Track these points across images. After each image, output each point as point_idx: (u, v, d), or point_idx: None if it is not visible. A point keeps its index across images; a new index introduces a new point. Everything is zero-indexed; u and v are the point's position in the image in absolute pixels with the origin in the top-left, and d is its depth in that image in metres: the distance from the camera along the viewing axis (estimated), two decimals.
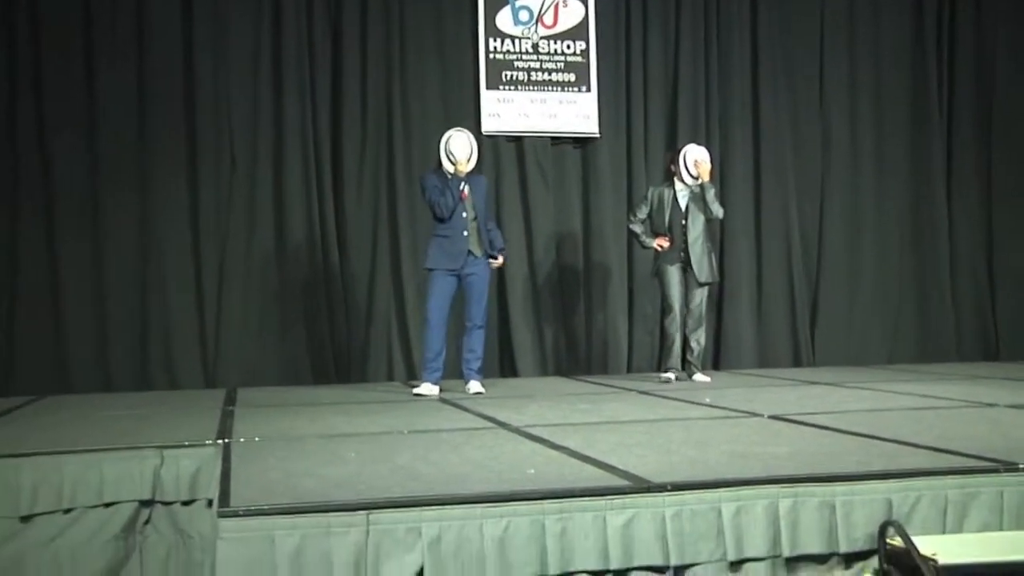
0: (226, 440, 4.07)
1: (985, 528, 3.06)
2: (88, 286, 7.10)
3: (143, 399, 6.29)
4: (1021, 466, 3.17)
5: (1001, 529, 3.07)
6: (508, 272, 7.50)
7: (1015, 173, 8.72)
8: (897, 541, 2.81)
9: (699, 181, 6.68)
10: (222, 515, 2.66)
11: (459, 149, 6.13)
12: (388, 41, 7.66)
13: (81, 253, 7.09)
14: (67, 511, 3.77)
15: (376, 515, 2.72)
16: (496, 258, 6.29)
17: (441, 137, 6.27)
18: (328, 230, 7.48)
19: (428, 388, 6.13)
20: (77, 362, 7.03)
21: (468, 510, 2.79)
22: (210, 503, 3.75)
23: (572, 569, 2.82)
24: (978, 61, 8.73)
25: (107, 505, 3.81)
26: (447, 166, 6.14)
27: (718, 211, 6.72)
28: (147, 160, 7.22)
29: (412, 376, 7.29)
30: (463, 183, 6.14)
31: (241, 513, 2.66)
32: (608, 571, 2.85)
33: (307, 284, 7.47)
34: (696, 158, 6.70)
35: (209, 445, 3.99)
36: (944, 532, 3.02)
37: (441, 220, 6.13)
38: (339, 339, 7.49)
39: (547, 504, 2.84)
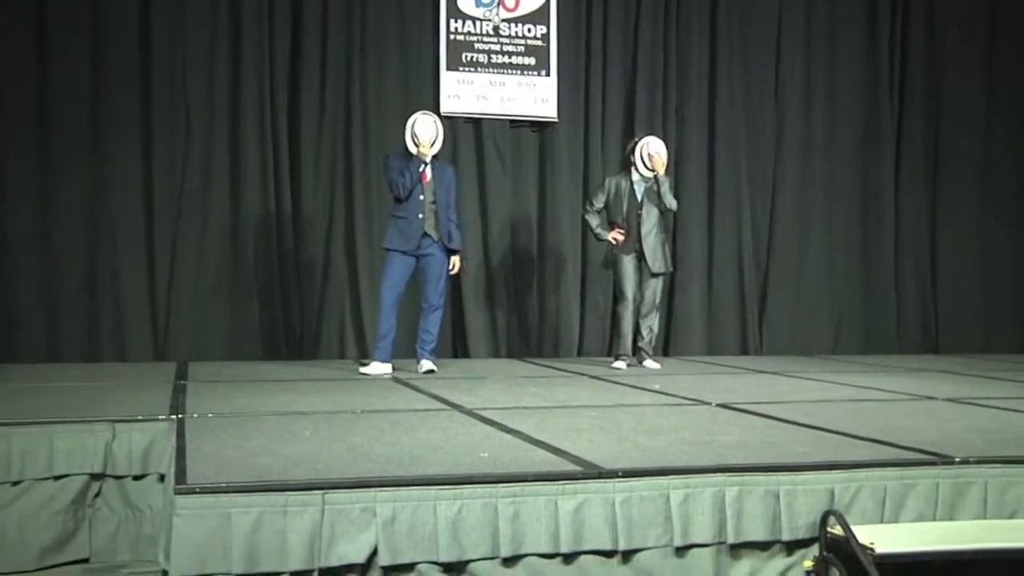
0: (180, 415, 4.06)
1: (920, 518, 3.17)
2: (38, 256, 7.00)
3: (92, 371, 6.24)
4: (956, 459, 3.29)
5: (935, 519, 3.19)
6: (463, 254, 7.52)
7: (961, 168, 8.93)
8: (837, 530, 2.91)
9: (654, 174, 6.76)
10: (179, 492, 2.68)
11: (423, 131, 6.14)
12: (349, 18, 7.61)
13: (31, 223, 6.97)
14: (15, 483, 3.77)
15: (332, 495, 2.76)
16: (456, 252, 6.30)
17: (407, 120, 6.27)
18: (284, 207, 7.45)
19: (377, 367, 6.16)
20: (25, 332, 6.93)
21: (423, 491, 2.84)
22: (162, 478, 3.77)
23: (523, 551, 2.89)
24: (929, 56, 8.91)
25: (57, 478, 3.81)
26: (411, 147, 6.15)
27: (672, 204, 6.80)
28: (100, 131, 7.10)
29: (364, 355, 7.30)
30: (424, 165, 6.15)
31: (198, 490, 2.68)
32: (558, 554, 2.92)
33: (261, 259, 7.43)
34: (652, 151, 6.76)
35: (163, 420, 4.00)
36: (882, 522, 3.13)
37: (399, 200, 6.15)
38: (292, 315, 7.47)
39: (500, 488, 2.89)
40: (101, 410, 4.17)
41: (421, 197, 6.14)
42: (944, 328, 8.90)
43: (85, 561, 3.82)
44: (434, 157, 6.22)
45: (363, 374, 6.16)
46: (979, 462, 3.28)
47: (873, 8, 8.80)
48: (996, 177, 9.02)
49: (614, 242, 6.83)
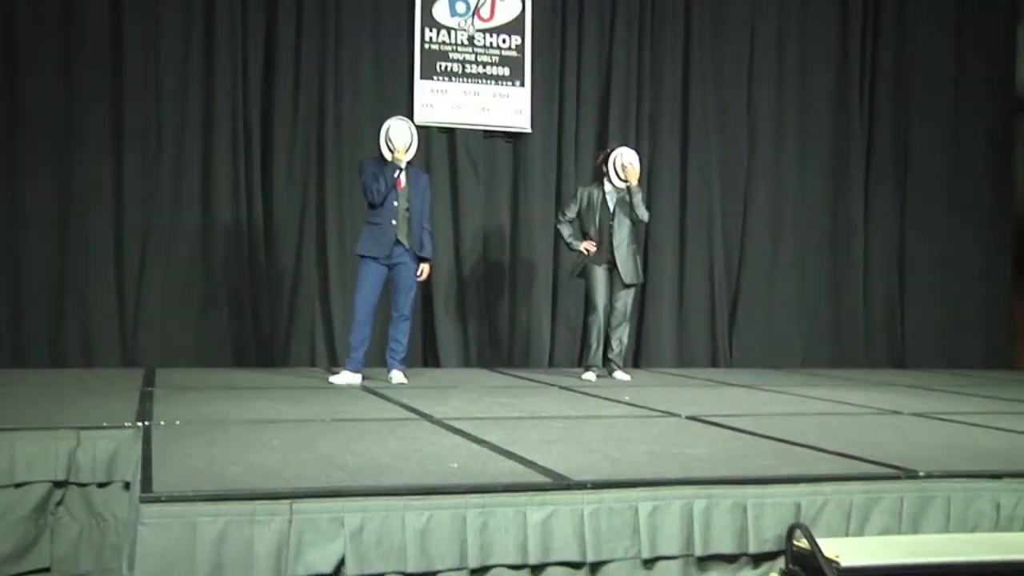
0: (146, 423, 4.02)
1: (885, 532, 3.20)
2: (5, 261, 6.92)
3: (58, 376, 6.17)
4: (921, 473, 3.32)
5: (900, 533, 3.21)
6: (434, 262, 7.51)
7: (930, 182, 9.04)
8: (803, 543, 2.92)
9: (627, 185, 6.78)
10: (144, 500, 2.65)
11: (398, 136, 6.13)
12: (323, 26, 7.60)
13: None
14: None
15: (300, 504, 2.74)
16: (426, 260, 6.28)
17: (381, 125, 6.25)
18: (255, 213, 7.41)
19: (347, 377, 6.13)
20: None
21: (391, 501, 2.82)
22: (127, 486, 3.72)
23: (491, 562, 2.88)
24: (898, 69, 9.02)
25: (18, 485, 3.75)
26: (386, 153, 6.14)
27: (644, 215, 6.83)
28: (70, 137, 7.05)
29: (334, 363, 7.27)
30: (399, 171, 6.14)
31: (164, 499, 2.65)
32: (526, 565, 2.91)
33: (231, 265, 7.39)
34: (625, 163, 6.79)
35: (128, 427, 3.95)
36: (847, 535, 3.16)
37: (372, 206, 6.13)
38: (261, 322, 7.43)
39: (469, 498, 2.88)
40: (65, 416, 4.12)
41: (395, 203, 6.13)
42: (911, 342, 8.99)
43: (46, 571, 3.75)
44: (408, 163, 6.21)
45: (331, 382, 6.13)
46: (943, 476, 3.32)
47: (844, 21, 8.90)
48: (965, 192, 9.13)
49: (586, 252, 6.85)
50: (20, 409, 4.41)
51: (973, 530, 3.26)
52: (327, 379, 6.28)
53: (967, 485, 3.30)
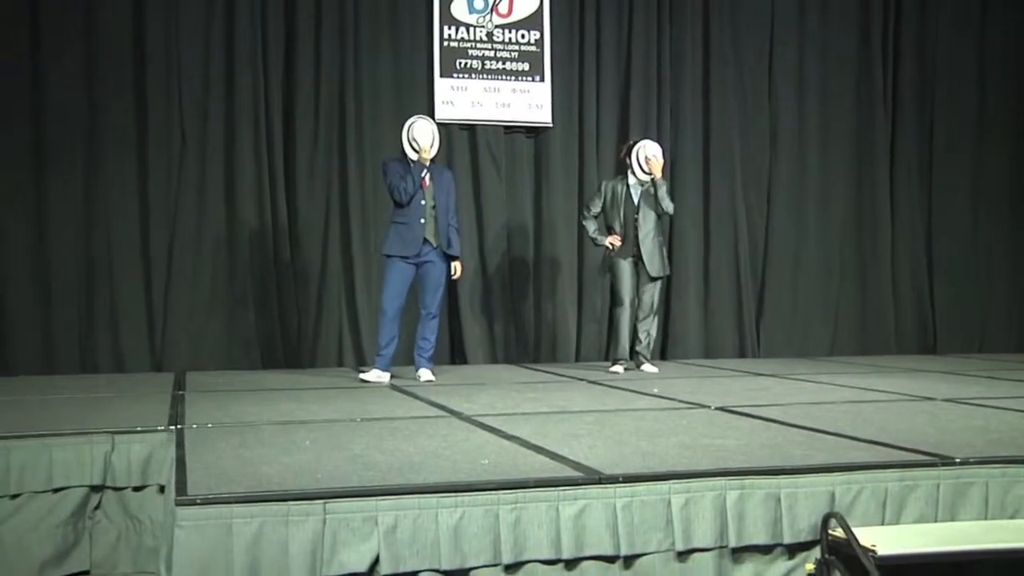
0: (179, 426, 4.06)
1: (921, 519, 3.17)
2: (33, 267, 6.98)
3: (89, 382, 6.22)
4: (957, 460, 3.29)
5: (936, 520, 3.19)
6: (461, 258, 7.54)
7: (955, 168, 8.96)
8: (839, 532, 2.91)
9: (651, 177, 6.76)
10: (180, 503, 2.67)
11: (422, 136, 6.13)
12: (343, 26, 7.62)
13: (26, 232, 6.97)
14: (14, 496, 3.76)
15: (333, 504, 2.76)
16: (456, 258, 6.29)
17: (404, 124, 6.26)
18: (279, 214, 7.44)
19: (376, 375, 6.15)
20: (19, 344, 6.92)
21: (423, 499, 2.83)
22: (162, 489, 3.76)
23: (525, 558, 2.88)
24: (922, 59, 8.93)
25: (56, 491, 3.80)
26: (410, 153, 6.15)
27: (669, 207, 6.80)
28: (95, 140, 7.11)
29: (362, 362, 7.30)
30: (425, 170, 6.15)
31: (199, 502, 2.67)
32: (560, 560, 2.91)
33: (257, 268, 7.42)
34: (649, 155, 6.76)
35: (161, 431, 3.99)
36: (883, 523, 3.13)
37: (399, 205, 6.13)
38: (289, 323, 7.46)
39: (501, 494, 2.89)
40: (99, 422, 4.17)
41: (422, 202, 6.13)
42: (942, 328, 8.91)
43: (86, 573, 3.81)
44: (431, 160, 6.22)
45: (362, 380, 6.15)
46: (979, 463, 3.29)
47: (866, 12, 8.82)
48: (990, 177, 9.05)
49: (611, 247, 6.83)
50: (54, 415, 4.46)
51: (1012, 516, 3.23)
52: (356, 378, 6.30)
53: (1005, 471, 3.27)
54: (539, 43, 8.05)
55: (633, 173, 6.82)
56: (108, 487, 3.85)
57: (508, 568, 2.87)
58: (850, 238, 8.79)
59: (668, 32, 8.34)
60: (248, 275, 7.41)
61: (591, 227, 6.91)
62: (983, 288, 9.01)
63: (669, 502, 3.00)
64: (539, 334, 8.01)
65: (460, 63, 7.88)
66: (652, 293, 6.85)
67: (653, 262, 6.79)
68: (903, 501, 3.17)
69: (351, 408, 4.83)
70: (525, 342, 7.99)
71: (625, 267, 6.80)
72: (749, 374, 6.74)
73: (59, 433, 3.91)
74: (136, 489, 3.87)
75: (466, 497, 2.86)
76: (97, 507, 3.85)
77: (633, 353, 6.89)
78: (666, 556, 2.99)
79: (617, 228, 6.82)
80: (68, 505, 3.80)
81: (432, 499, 2.83)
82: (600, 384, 6.06)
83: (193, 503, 2.67)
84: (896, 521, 3.15)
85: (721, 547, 3.04)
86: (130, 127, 7.19)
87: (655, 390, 5.60)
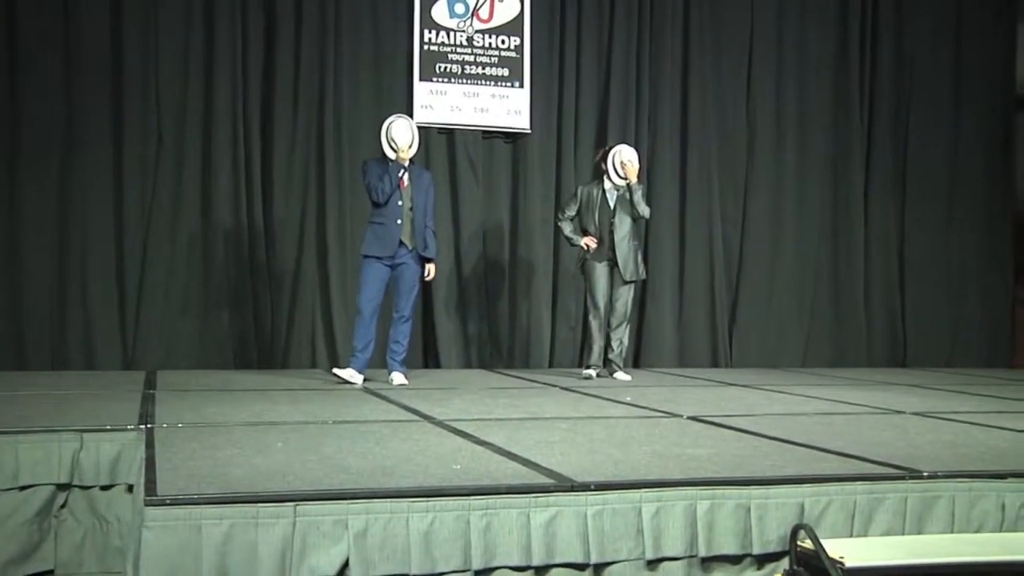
0: (149, 425, 4.02)
1: (889, 532, 3.20)
2: (4, 263, 6.92)
3: (60, 379, 6.16)
4: (925, 473, 3.32)
5: (904, 533, 3.21)
6: (436, 261, 7.53)
7: (929, 181, 9.03)
8: (807, 544, 2.92)
9: (627, 182, 6.79)
10: (149, 503, 2.65)
11: (400, 135, 6.12)
12: (323, 27, 7.59)
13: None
14: None
15: (304, 507, 2.74)
16: (430, 260, 6.29)
17: (382, 124, 6.25)
18: (255, 215, 7.41)
19: (350, 374, 6.14)
20: None
21: (395, 504, 2.82)
22: (130, 488, 3.72)
23: (495, 564, 2.88)
24: (898, 69, 9.01)
25: (22, 488, 3.75)
26: (388, 152, 6.14)
27: (644, 212, 6.83)
28: (70, 138, 7.05)
29: (336, 363, 7.25)
30: (403, 171, 6.14)
31: (168, 502, 2.65)
32: (530, 567, 2.91)
33: (232, 267, 7.39)
34: (624, 159, 6.79)
35: (131, 430, 3.95)
36: (852, 535, 3.16)
37: (377, 205, 6.12)
38: (263, 324, 7.43)
39: (473, 500, 2.89)
40: (68, 419, 4.12)
41: (399, 203, 6.12)
42: (912, 341, 8.99)
43: (50, 573, 3.76)
44: (410, 161, 6.21)
45: (335, 374, 6.16)
46: (947, 477, 3.32)
47: (843, 21, 8.89)
48: (964, 191, 9.14)
49: (587, 248, 6.85)
50: (22, 412, 4.41)
51: (978, 530, 3.26)
52: (329, 380, 6.28)
53: (972, 485, 3.30)
54: (519, 49, 8.07)
55: (609, 178, 6.85)
56: (75, 486, 3.81)
57: (478, 574, 2.86)
58: (825, 248, 8.85)
59: (648, 40, 8.37)
60: (222, 275, 7.37)
61: (567, 228, 6.94)
62: (953, 302, 9.09)
63: (640, 511, 3.01)
64: (513, 339, 8.01)
65: (440, 67, 7.88)
66: (626, 299, 6.87)
67: (627, 266, 6.81)
68: (871, 514, 3.20)
69: (323, 410, 4.81)
70: (499, 347, 7.99)
71: (600, 271, 6.83)
72: (722, 384, 6.77)
73: (27, 430, 3.86)
74: (104, 488, 3.83)
75: (437, 502, 2.85)
76: (63, 506, 3.80)
77: (606, 361, 6.90)
78: (636, 565, 3.00)
79: (592, 232, 6.84)
80: (34, 503, 3.75)
81: (403, 503, 2.82)
82: (573, 391, 6.06)
83: (162, 503, 2.65)
84: (864, 533, 3.18)
85: (691, 556, 3.04)
86: (106, 126, 7.13)
87: (628, 398, 5.61)
